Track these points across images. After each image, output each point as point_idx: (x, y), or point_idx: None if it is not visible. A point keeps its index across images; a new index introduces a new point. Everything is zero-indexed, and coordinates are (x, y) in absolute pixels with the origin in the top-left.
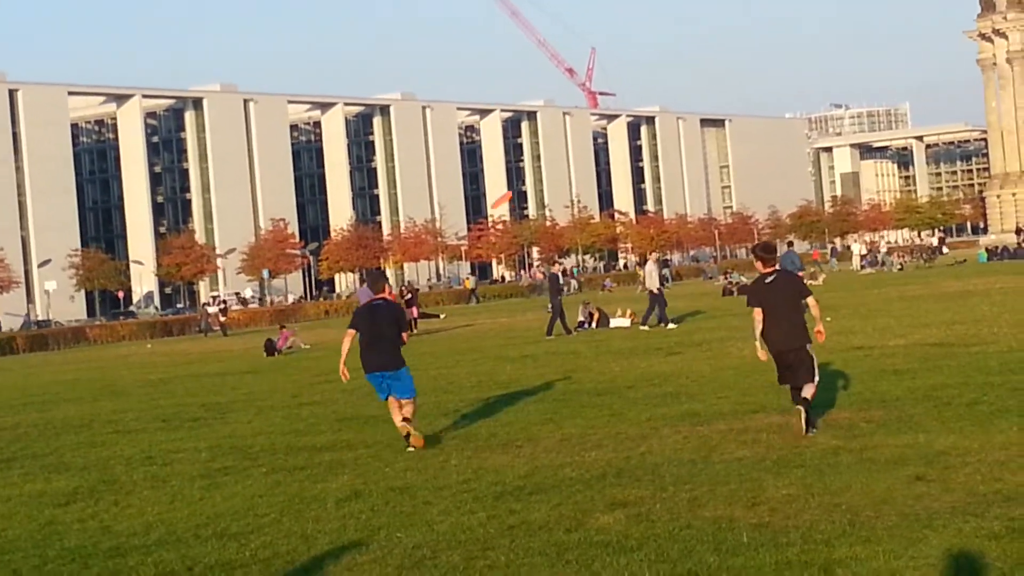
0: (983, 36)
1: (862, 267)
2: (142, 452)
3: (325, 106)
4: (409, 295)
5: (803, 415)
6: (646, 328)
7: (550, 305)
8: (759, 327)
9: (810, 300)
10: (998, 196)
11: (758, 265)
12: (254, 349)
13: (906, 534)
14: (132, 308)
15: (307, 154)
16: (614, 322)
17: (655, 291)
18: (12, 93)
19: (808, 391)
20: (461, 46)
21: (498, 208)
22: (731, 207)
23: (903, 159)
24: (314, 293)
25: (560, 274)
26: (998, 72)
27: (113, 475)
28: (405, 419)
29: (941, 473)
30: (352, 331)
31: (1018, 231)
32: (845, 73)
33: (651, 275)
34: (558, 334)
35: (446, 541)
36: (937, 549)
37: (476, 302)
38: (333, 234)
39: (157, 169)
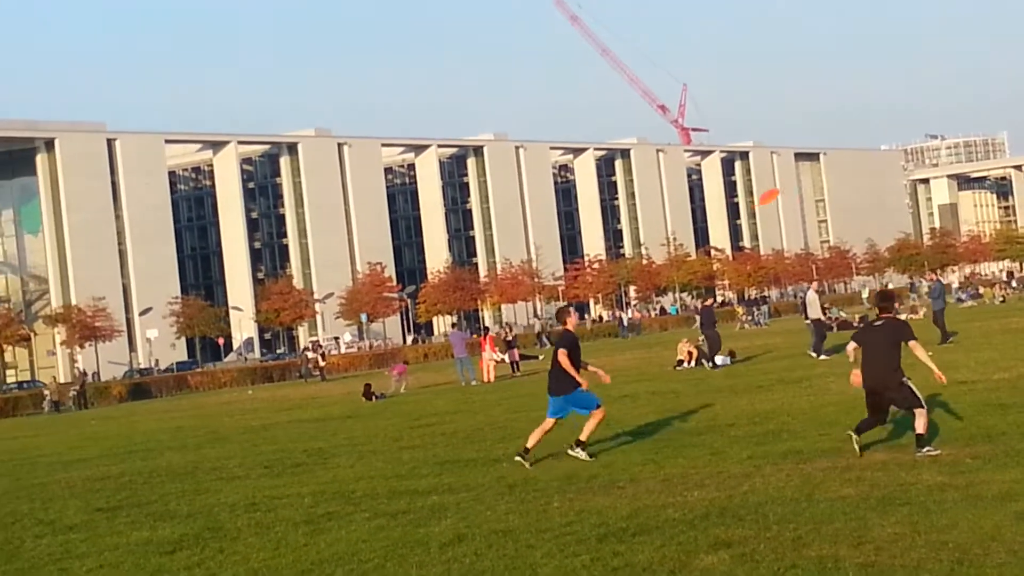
0: None
1: (960, 299)
2: (246, 499)
3: (419, 148)
4: (511, 337)
5: (855, 442)
6: (820, 357)
7: (702, 337)
8: (851, 358)
9: (912, 343)
10: None
11: (875, 311)
12: (353, 394)
13: (1016, 572)
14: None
15: (402, 197)
16: (719, 360)
17: (820, 320)
18: (111, 143)
19: (919, 424)
20: (553, 85)
21: (765, 204)
22: (828, 241)
23: (1002, 189)
24: (412, 336)
25: (712, 307)
26: None
27: (218, 522)
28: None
29: None
30: (566, 350)
31: None
32: (940, 104)
33: (812, 305)
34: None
35: None
36: None
37: (625, 336)
38: (430, 276)
39: (254, 215)
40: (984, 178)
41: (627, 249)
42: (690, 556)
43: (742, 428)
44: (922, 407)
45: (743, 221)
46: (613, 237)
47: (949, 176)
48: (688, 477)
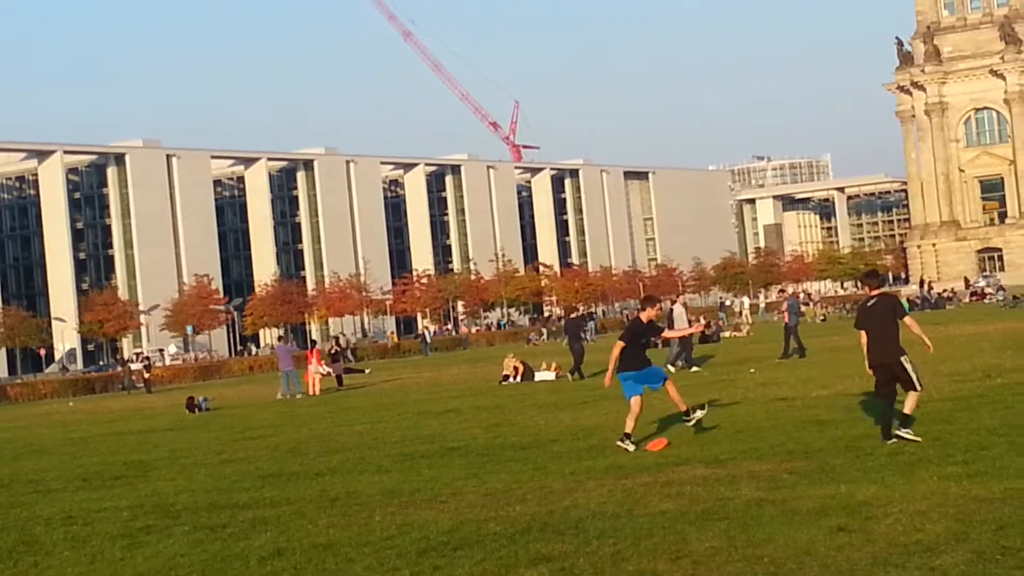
0: (901, 88)
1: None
2: (62, 512)
3: (249, 161)
4: (336, 350)
5: (910, 436)
6: (693, 369)
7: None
8: (865, 345)
9: (907, 319)
10: (919, 247)
11: (865, 290)
12: (177, 406)
13: None
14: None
15: (231, 209)
16: (539, 375)
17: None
18: None
19: (908, 405)
20: (384, 100)
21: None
22: (655, 259)
23: (825, 210)
24: (238, 348)
25: (578, 319)
26: (917, 124)
27: (32, 536)
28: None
29: (863, 524)
30: (622, 343)
31: (921, 283)
32: (767, 126)
33: (679, 319)
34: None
35: None
36: None
37: (426, 354)
38: (257, 289)
39: (79, 225)
40: (808, 199)
41: (456, 264)
42: (510, 570)
43: (566, 443)
44: (916, 389)
45: (572, 238)
46: (442, 252)
47: (775, 197)
48: (511, 492)
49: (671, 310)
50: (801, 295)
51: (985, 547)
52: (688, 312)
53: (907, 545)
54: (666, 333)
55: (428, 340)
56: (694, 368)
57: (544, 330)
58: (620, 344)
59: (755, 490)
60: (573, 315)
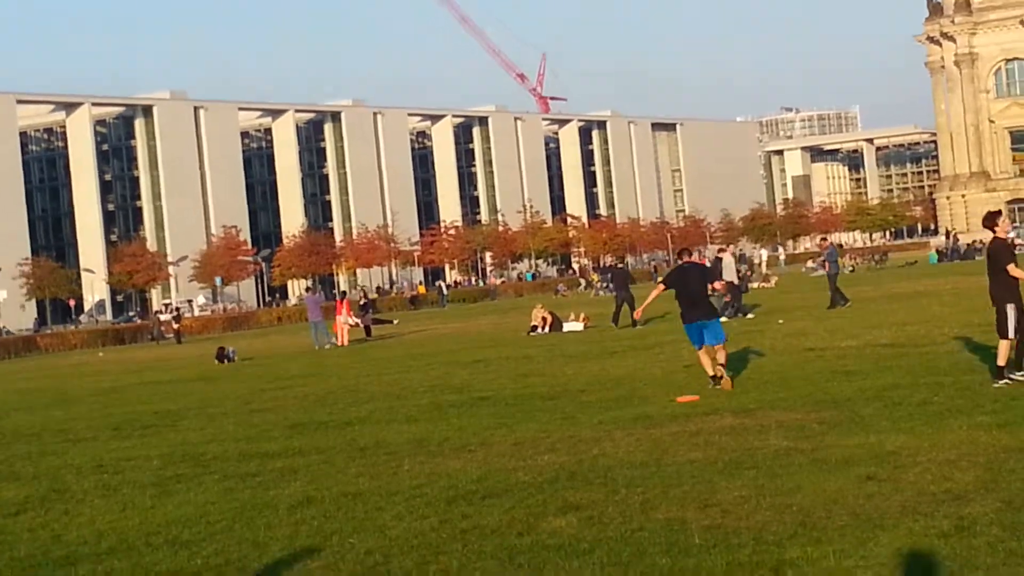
0: (931, 39)
1: (813, 268)
2: (93, 461)
3: (276, 113)
4: (365, 301)
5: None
6: (747, 315)
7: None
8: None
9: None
10: (948, 198)
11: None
12: (207, 356)
13: (856, 534)
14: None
15: (258, 161)
16: (567, 326)
17: (734, 283)
18: None
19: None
20: (411, 52)
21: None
22: (683, 211)
23: (854, 162)
24: (267, 300)
25: (624, 269)
26: (946, 75)
27: (64, 484)
28: (720, 364)
29: (892, 473)
30: (662, 286)
31: (947, 234)
32: (795, 77)
33: (728, 268)
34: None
35: (398, 546)
36: (887, 548)
37: (443, 306)
38: (285, 241)
39: (107, 177)
40: (837, 151)
41: (483, 216)
42: (538, 519)
43: (594, 393)
44: (1006, 338)
45: (599, 189)
46: (470, 204)
47: (803, 148)
48: (539, 441)
49: (718, 259)
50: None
51: (1015, 496)
52: (737, 262)
53: (936, 494)
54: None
55: (445, 292)
56: (748, 315)
57: (583, 280)
58: (662, 286)
59: (783, 439)
60: (620, 266)
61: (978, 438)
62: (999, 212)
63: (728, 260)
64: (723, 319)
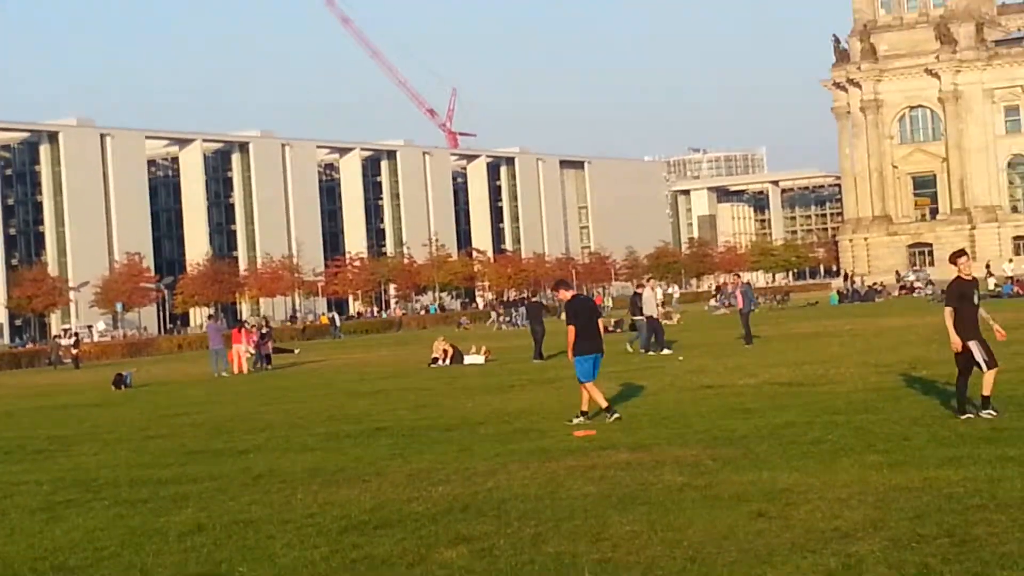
0: (838, 85)
1: (716, 307)
2: None
3: (183, 142)
4: (265, 330)
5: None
6: (664, 351)
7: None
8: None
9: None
10: (851, 240)
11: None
12: (104, 382)
13: (745, 571)
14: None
15: (164, 189)
16: (468, 359)
17: (654, 317)
18: None
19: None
20: (322, 84)
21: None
22: (589, 247)
23: (759, 203)
24: (168, 327)
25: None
26: (852, 120)
27: None
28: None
29: (782, 510)
30: (573, 328)
31: (846, 276)
32: (703, 118)
33: (648, 302)
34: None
35: (288, 575)
36: None
37: (337, 337)
38: (189, 269)
39: (10, 202)
40: (743, 192)
41: (389, 248)
42: (430, 550)
43: (492, 426)
44: (991, 368)
45: (506, 225)
46: (376, 236)
47: (709, 188)
48: (434, 473)
49: (637, 294)
50: (729, 286)
51: (901, 535)
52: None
53: (825, 532)
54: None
55: (338, 324)
56: (665, 351)
57: (494, 313)
58: (572, 328)
59: (678, 475)
60: (534, 299)
61: (868, 477)
62: (961, 251)
63: (648, 294)
64: (650, 353)
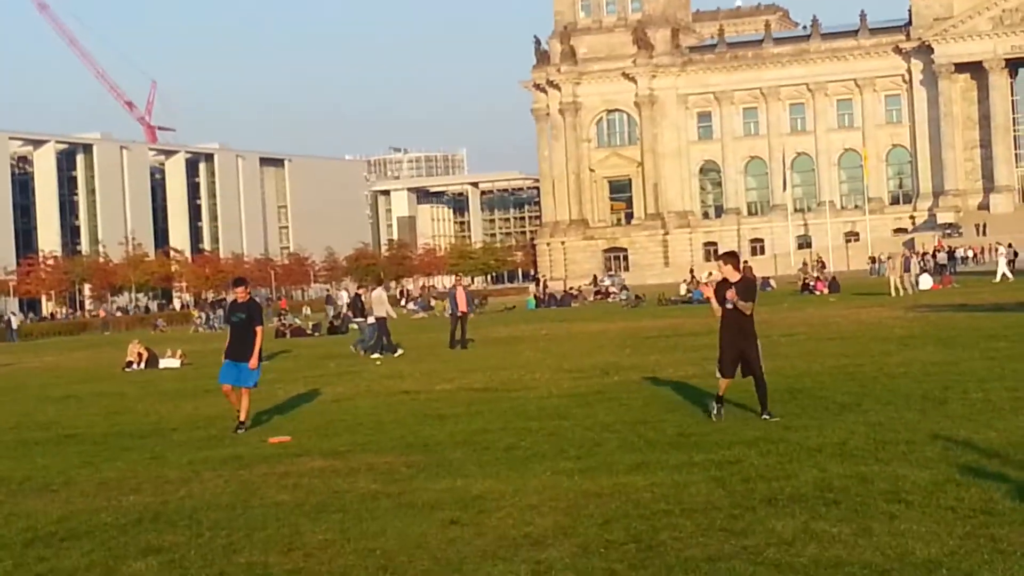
0: (538, 87)
1: (415, 311)
2: None
3: None
4: None
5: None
6: (397, 353)
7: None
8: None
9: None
10: (548, 244)
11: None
12: None
13: None
14: None
15: None
16: (163, 363)
17: (384, 318)
18: None
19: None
20: (15, 72)
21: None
22: (288, 248)
23: (459, 205)
24: None
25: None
26: (551, 123)
27: None
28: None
29: (475, 517)
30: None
31: (537, 282)
32: (405, 117)
33: (380, 302)
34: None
35: None
36: None
37: (12, 340)
38: None
39: None
40: (443, 193)
41: (84, 247)
42: (119, 562)
43: (185, 432)
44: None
45: (205, 223)
46: (71, 233)
47: (409, 189)
48: (125, 481)
49: (358, 295)
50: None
51: (590, 541)
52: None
53: (516, 539)
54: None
55: (15, 326)
56: (399, 352)
57: (203, 315)
58: (260, 328)
59: (372, 483)
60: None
61: (560, 483)
62: (732, 253)
63: (378, 294)
64: (376, 356)
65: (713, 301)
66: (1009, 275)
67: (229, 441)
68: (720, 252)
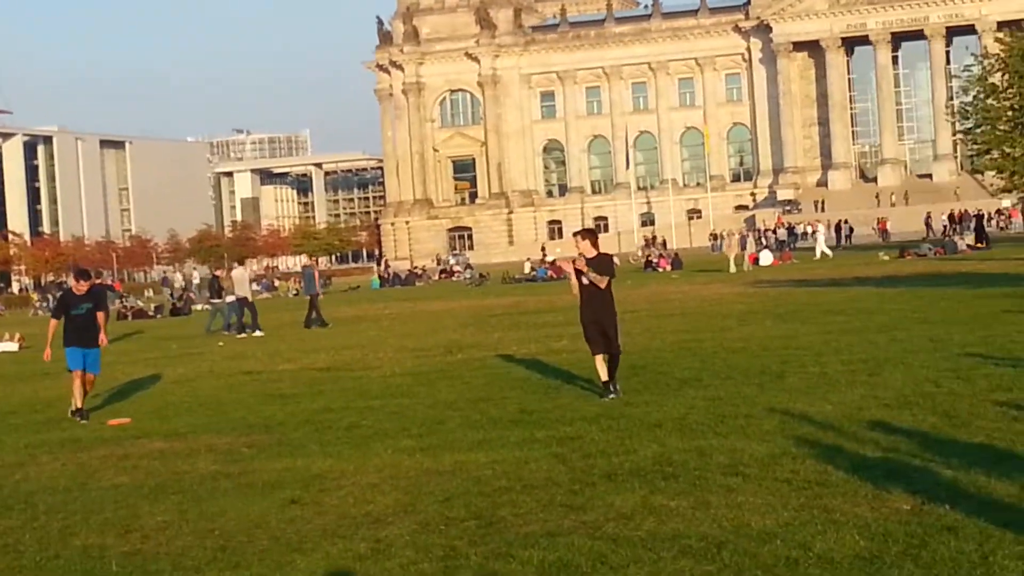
0: (381, 67)
1: (259, 291)
2: None
3: None
4: None
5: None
6: (256, 333)
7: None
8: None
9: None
10: (392, 224)
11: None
12: None
13: (275, 558)
14: None
15: None
16: (2, 346)
17: (246, 298)
18: None
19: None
20: None
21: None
22: (130, 230)
23: (302, 185)
24: None
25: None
26: (395, 103)
27: None
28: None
29: (316, 496)
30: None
31: (378, 261)
32: (247, 98)
33: (241, 283)
34: None
35: None
36: (304, 572)
37: None
38: None
39: None
40: (286, 174)
41: None
42: None
43: (23, 416)
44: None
45: (44, 206)
46: None
47: (253, 171)
48: None
49: (215, 276)
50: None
51: (431, 518)
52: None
53: (356, 517)
54: None
55: None
56: (258, 333)
57: (43, 298)
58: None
59: (212, 464)
60: (217, 273)
61: (401, 461)
62: (590, 229)
63: (240, 274)
64: (240, 336)
65: (572, 277)
66: (828, 252)
67: (67, 424)
68: (577, 229)
